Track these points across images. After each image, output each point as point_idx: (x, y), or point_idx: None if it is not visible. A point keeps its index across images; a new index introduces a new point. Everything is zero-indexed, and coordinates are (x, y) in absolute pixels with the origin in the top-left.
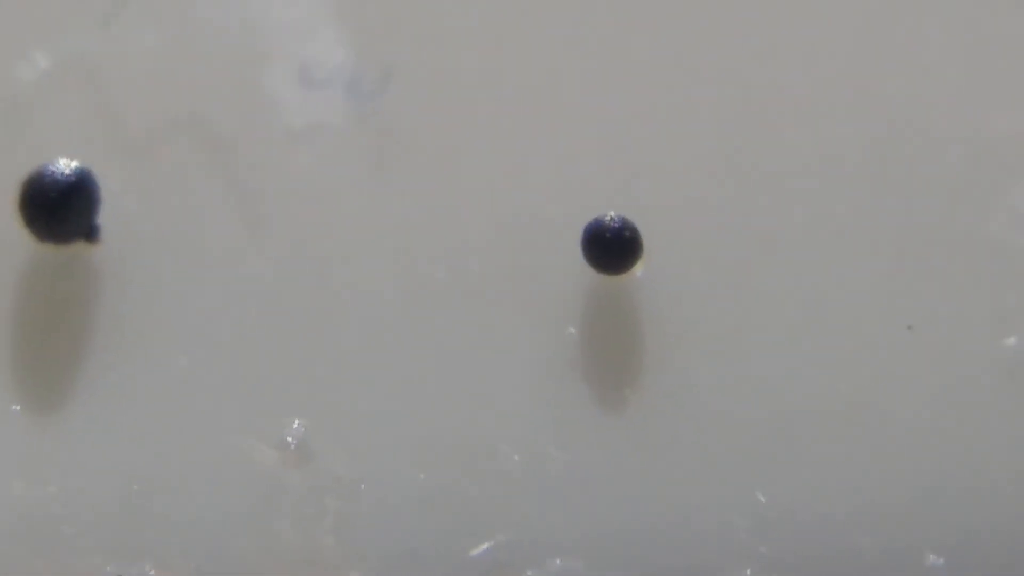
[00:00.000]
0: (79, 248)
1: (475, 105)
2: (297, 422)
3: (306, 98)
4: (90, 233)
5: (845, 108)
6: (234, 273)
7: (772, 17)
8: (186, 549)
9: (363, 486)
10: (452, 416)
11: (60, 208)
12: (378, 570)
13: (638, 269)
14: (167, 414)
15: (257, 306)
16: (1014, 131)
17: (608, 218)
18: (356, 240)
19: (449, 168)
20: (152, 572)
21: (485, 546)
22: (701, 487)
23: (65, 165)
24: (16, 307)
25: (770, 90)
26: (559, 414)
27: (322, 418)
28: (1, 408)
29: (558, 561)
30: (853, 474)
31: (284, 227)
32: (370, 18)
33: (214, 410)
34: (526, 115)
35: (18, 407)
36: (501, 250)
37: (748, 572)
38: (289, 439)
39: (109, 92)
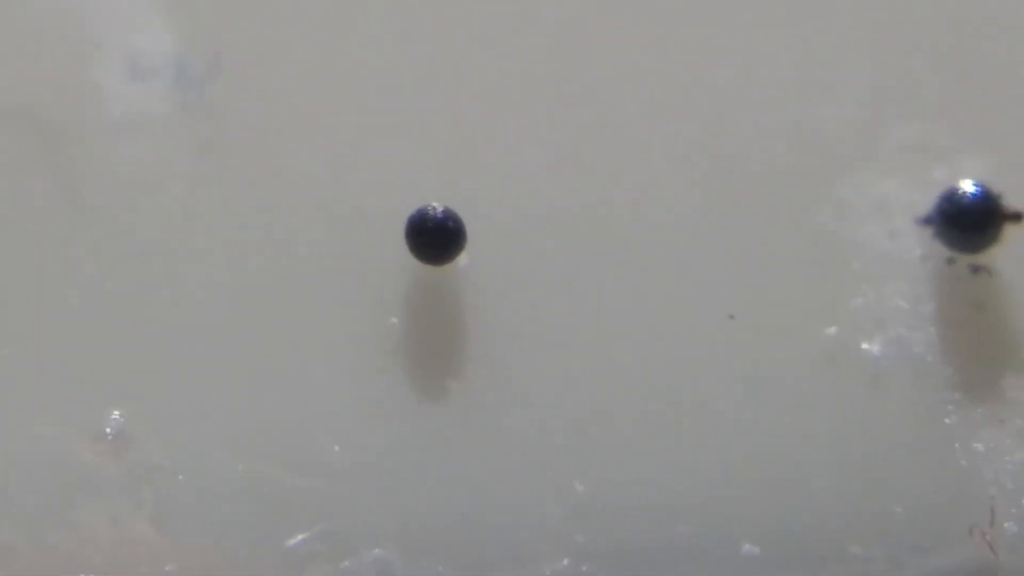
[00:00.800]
0: None
1: (302, 95)
2: (116, 412)
3: (133, 88)
4: None
5: (672, 100)
6: (57, 262)
7: (597, 10)
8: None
9: (181, 476)
10: (272, 406)
11: None
12: (196, 561)
13: (461, 260)
14: None
15: (79, 296)
16: (840, 123)
17: (431, 209)
18: (180, 230)
19: (275, 158)
20: None
21: (301, 536)
22: (520, 477)
23: None
24: None
25: (594, 82)
26: (380, 404)
27: (141, 408)
28: None
29: (375, 551)
30: (671, 463)
31: (108, 217)
32: (199, 7)
33: (32, 400)
34: (352, 106)
35: None
36: (325, 240)
37: (565, 562)
38: (107, 429)
39: None
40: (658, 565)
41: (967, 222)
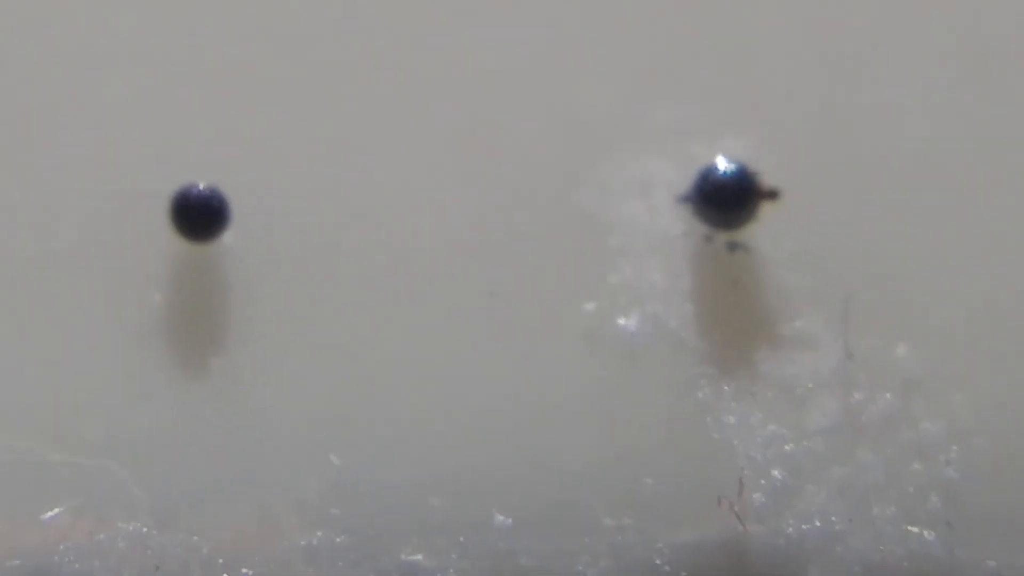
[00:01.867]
0: None
1: (65, 73)
2: None
3: None
4: None
5: (435, 82)
6: None
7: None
8: None
9: None
10: (34, 382)
11: None
12: None
13: (227, 237)
14: None
15: None
16: (603, 104)
17: (196, 187)
18: None
19: (39, 136)
20: None
21: (57, 510)
22: (278, 452)
23: None
24: None
25: (358, 62)
26: (141, 380)
27: None
28: None
29: (131, 526)
30: (427, 437)
31: None
32: None
33: None
34: (116, 85)
35: None
36: (88, 218)
37: (319, 534)
38: None
39: None
40: (412, 537)
41: (723, 200)
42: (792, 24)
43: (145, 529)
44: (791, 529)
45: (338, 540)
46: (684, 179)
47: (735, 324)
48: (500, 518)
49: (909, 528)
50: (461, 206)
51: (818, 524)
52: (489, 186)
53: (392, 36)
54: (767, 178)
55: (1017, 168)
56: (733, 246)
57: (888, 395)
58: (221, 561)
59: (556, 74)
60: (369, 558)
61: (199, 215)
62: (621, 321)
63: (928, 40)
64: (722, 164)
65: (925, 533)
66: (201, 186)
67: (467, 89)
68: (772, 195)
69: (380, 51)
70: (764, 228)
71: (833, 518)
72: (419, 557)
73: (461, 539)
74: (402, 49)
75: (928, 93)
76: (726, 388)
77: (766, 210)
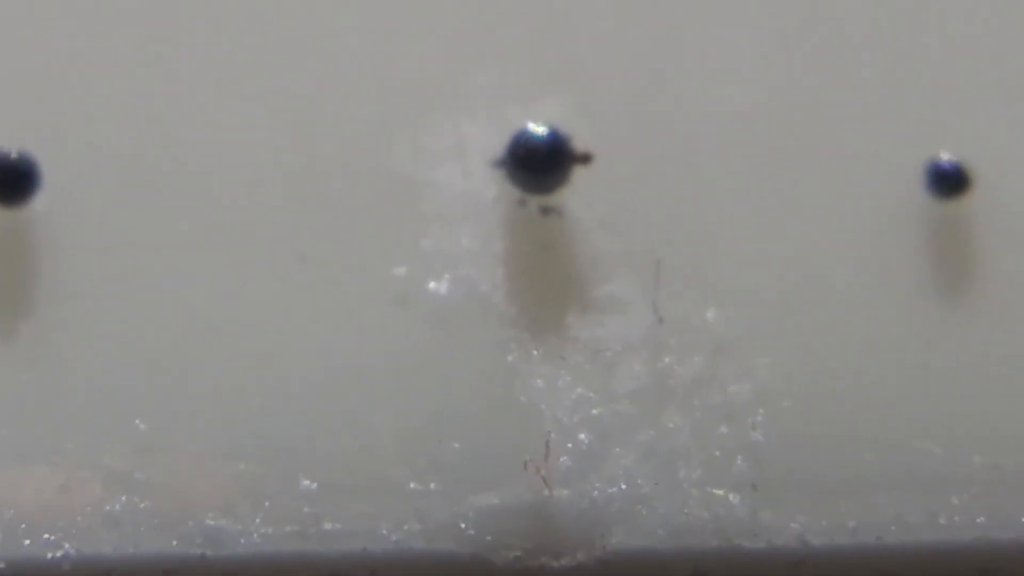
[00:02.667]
0: None
1: None
2: None
3: None
4: None
5: (251, 43)
6: None
7: None
8: None
9: None
10: None
11: None
12: None
13: (39, 203)
14: None
15: None
16: (420, 69)
17: (6, 151)
18: None
19: None
20: None
21: None
22: (85, 416)
23: None
24: None
25: (177, 25)
26: None
27: None
28: None
29: None
30: (234, 402)
31: None
32: None
33: None
34: None
35: None
36: None
37: (123, 499)
38: None
39: None
40: (217, 502)
41: (536, 164)
42: None
43: None
44: (597, 492)
45: (142, 505)
46: (498, 143)
47: (546, 288)
48: (306, 483)
49: (714, 491)
50: (273, 169)
51: (624, 487)
52: (302, 149)
53: (214, 3)
54: (581, 142)
55: (825, 135)
56: (546, 210)
57: (697, 359)
58: (23, 527)
59: (371, 36)
60: (173, 523)
61: (8, 179)
62: (432, 285)
63: (744, 6)
64: (535, 128)
65: (730, 496)
66: (11, 151)
67: (281, 50)
68: (585, 159)
69: (191, 11)
70: (577, 192)
71: (639, 481)
72: (224, 522)
73: (266, 504)
74: (213, 9)
75: (741, 59)
76: (535, 352)
77: (579, 174)
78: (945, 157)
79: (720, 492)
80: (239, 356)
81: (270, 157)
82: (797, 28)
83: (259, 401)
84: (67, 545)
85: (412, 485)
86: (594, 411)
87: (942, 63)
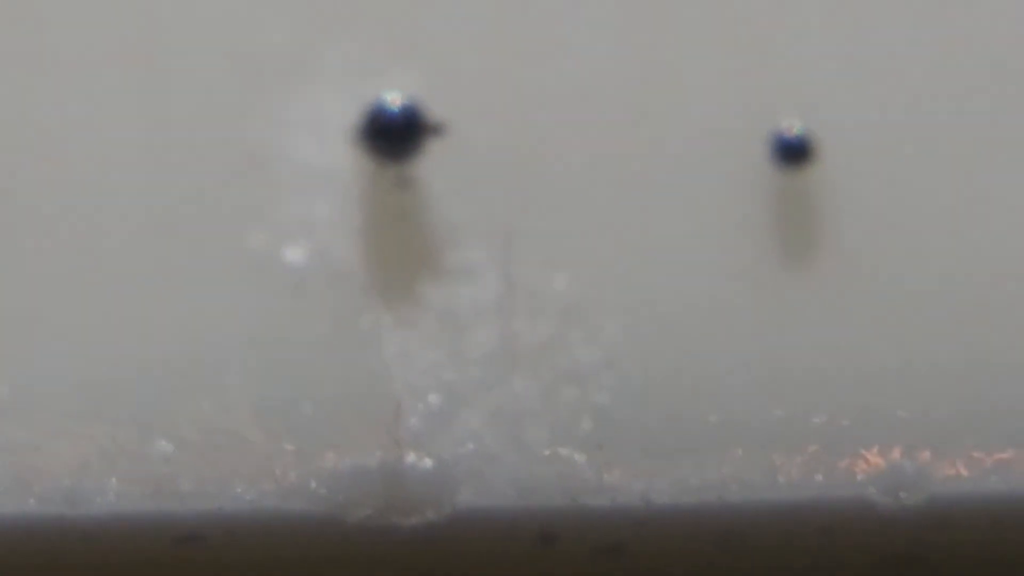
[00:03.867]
0: None
1: None
2: None
3: None
4: None
5: (107, 12)
6: None
7: None
8: None
9: None
10: None
11: None
12: None
13: None
14: None
15: None
16: (277, 40)
17: None
18: None
19: None
20: None
21: None
22: None
23: None
24: None
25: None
26: None
27: None
28: None
29: None
30: (91, 368)
31: None
32: None
33: None
34: None
35: None
36: None
37: None
38: None
39: None
40: (73, 462)
41: (390, 134)
42: None
43: None
44: (446, 453)
45: None
46: (354, 114)
47: (400, 257)
48: (162, 443)
49: (560, 450)
50: (127, 142)
51: (472, 448)
52: (156, 122)
53: None
54: (435, 113)
55: (672, 104)
56: (400, 180)
57: (546, 324)
58: None
59: (225, 6)
60: (30, 483)
61: None
62: (288, 253)
63: None
64: (389, 99)
65: (576, 455)
66: None
67: (133, 22)
68: (438, 130)
69: None
70: (431, 161)
71: (487, 442)
72: (80, 482)
73: (123, 464)
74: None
75: (591, 29)
76: (388, 318)
77: (433, 144)
78: (788, 127)
79: (566, 452)
80: (95, 320)
81: (123, 129)
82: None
83: (115, 364)
84: None
85: (266, 446)
86: (444, 375)
87: (787, 33)
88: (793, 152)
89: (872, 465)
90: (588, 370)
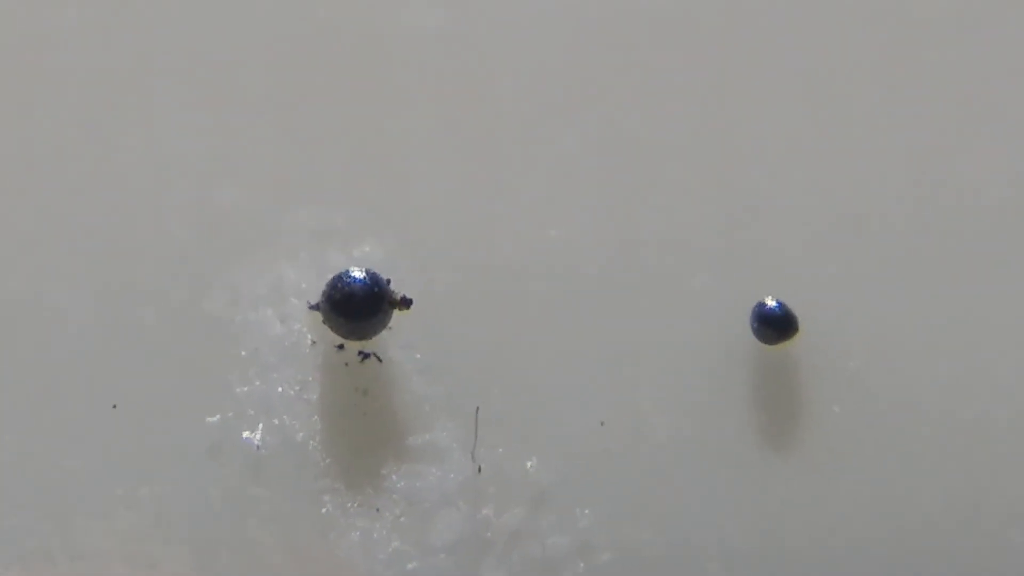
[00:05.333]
0: None
1: None
2: None
3: None
4: None
5: (66, 182)
6: None
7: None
8: None
9: None
10: None
11: None
12: None
13: None
14: None
15: None
16: (238, 206)
17: None
18: None
19: None
20: None
21: None
22: None
23: None
24: None
25: None
26: None
27: None
28: None
29: None
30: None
31: None
32: None
33: None
34: None
35: None
36: None
37: None
38: None
39: None
40: None
41: (353, 308)
42: (435, 130)
43: None
44: None
45: None
46: (318, 286)
47: (363, 436)
48: None
49: None
50: (84, 312)
51: None
52: (114, 290)
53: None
54: (402, 286)
55: (649, 276)
56: (364, 355)
57: (516, 510)
58: None
59: (188, 173)
60: None
61: None
62: (246, 434)
63: (565, 149)
64: (352, 271)
65: None
66: None
67: (93, 183)
68: (404, 304)
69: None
70: (397, 337)
71: None
72: None
73: None
74: (40, 137)
75: (565, 202)
76: (350, 504)
77: (399, 319)
78: (771, 303)
79: None
80: (47, 501)
81: (81, 298)
82: (621, 175)
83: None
84: None
85: None
86: (409, 565)
87: (770, 211)
88: (777, 326)
89: None
90: (559, 559)
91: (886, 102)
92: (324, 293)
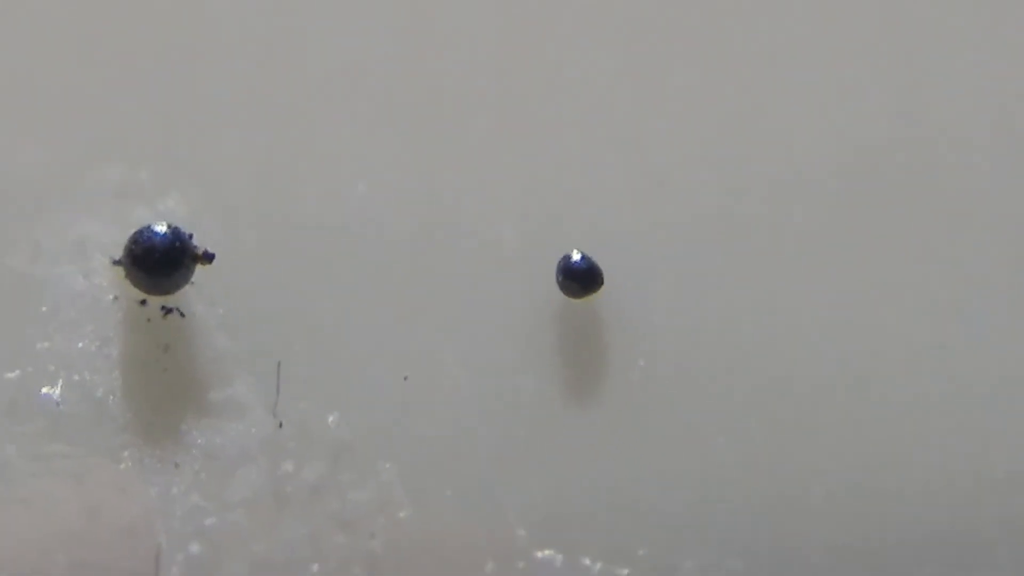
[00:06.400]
0: None
1: None
2: None
3: None
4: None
5: None
6: None
7: None
8: None
9: None
10: None
11: None
12: None
13: None
14: None
15: None
16: (38, 163)
17: None
18: None
19: None
20: None
21: None
22: None
23: None
24: None
25: None
26: None
27: None
28: None
29: None
30: None
31: None
32: None
33: None
34: None
35: None
36: None
37: None
38: None
39: None
40: None
41: (154, 263)
42: (240, 84)
43: None
44: None
45: None
46: (121, 241)
47: (163, 391)
48: None
49: None
50: None
51: None
52: None
53: None
54: (205, 241)
55: (453, 230)
56: (167, 310)
57: (316, 464)
58: None
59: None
60: None
61: None
62: (45, 390)
63: (374, 98)
64: (155, 226)
65: None
66: None
67: None
68: (207, 258)
69: None
70: (199, 292)
71: None
72: None
73: None
74: None
75: (368, 159)
76: (149, 459)
77: (202, 274)
78: (576, 257)
79: None
80: None
81: None
82: (427, 131)
83: None
84: None
85: None
86: (207, 520)
87: (576, 167)
88: (581, 279)
89: None
90: (360, 515)
91: (686, 60)
92: (126, 248)
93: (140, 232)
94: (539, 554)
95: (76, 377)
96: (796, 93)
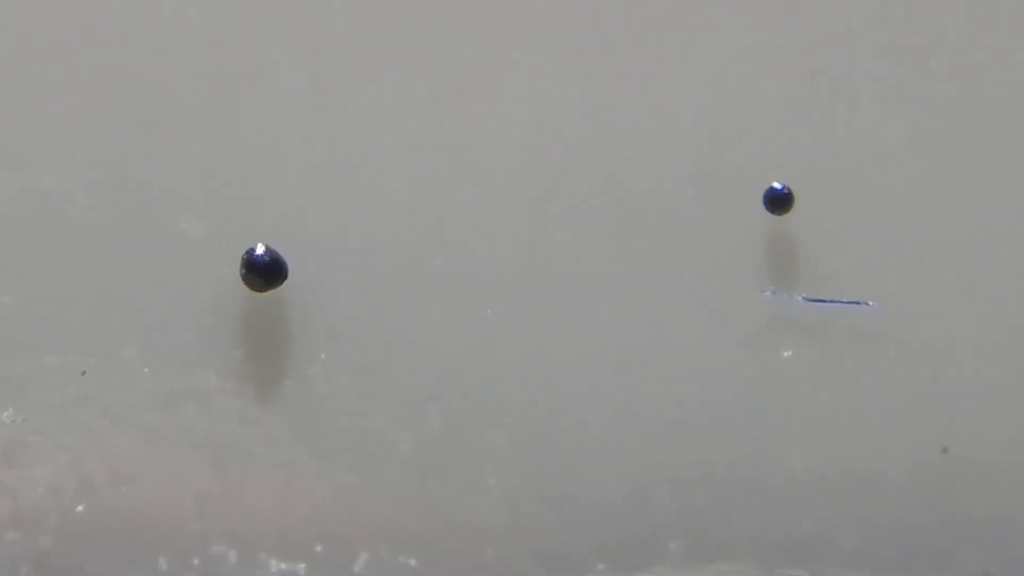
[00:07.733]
0: None
1: None
2: None
3: None
4: None
5: None
6: None
7: None
8: None
9: None
10: None
11: None
12: None
13: None
14: None
15: None
16: None
17: None
18: None
19: None
20: None
21: None
22: None
23: None
24: None
25: None
26: None
27: None
28: None
29: None
30: None
31: None
32: None
33: None
34: None
35: None
36: None
37: None
38: None
39: None
40: None
41: None
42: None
43: None
44: None
45: None
46: None
47: None
48: None
49: None
50: None
51: None
52: None
53: None
54: None
55: (138, 218)
56: None
57: None
58: None
59: None
60: None
61: None
62: None
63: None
64: None
65: None
66: None
67: None
68: None
69: None
70: None
71: None
72: None
73: None
74: None
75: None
76: None
77: None
78: (259, 251)
79: None
80: None
81: None
82: (119, 121)
83: None
84: None
85: None
86: None
87: (268, 161)
88: (262, 271)
89: None
90: (35, 512)
91: (383, 61)
92: None
93: None
94: (214, 549)
95: None
96: (489, 92)
